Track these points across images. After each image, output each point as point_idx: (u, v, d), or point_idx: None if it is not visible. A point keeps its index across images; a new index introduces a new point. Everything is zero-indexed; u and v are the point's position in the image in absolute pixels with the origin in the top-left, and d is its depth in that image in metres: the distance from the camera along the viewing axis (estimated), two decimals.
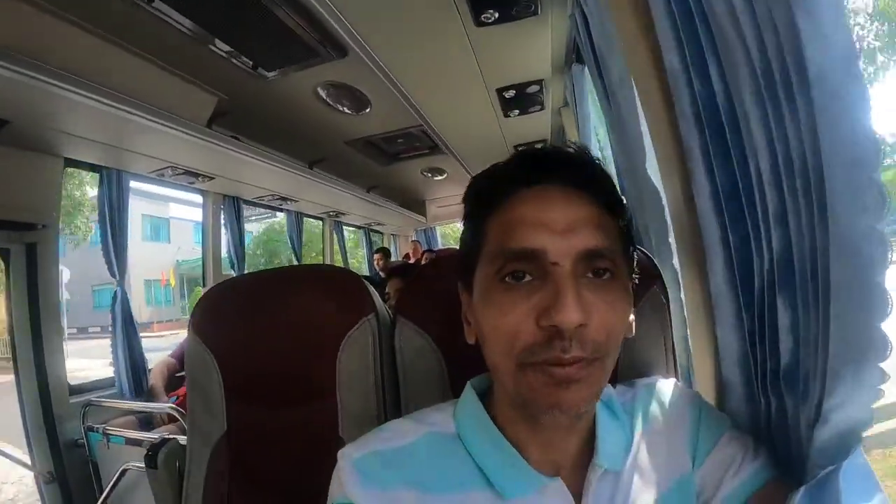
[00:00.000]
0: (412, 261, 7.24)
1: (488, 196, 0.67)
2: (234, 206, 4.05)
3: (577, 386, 0.58)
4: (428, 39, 2.39)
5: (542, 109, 3.52)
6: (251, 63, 2.49)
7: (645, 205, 1.34)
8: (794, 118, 0.58)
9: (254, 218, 18.12)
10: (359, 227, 7.15)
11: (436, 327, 1.05)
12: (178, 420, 2.25)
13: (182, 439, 2.00)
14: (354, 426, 1.14)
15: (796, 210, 0.62)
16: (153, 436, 2.17)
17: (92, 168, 2.89)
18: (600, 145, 2.57)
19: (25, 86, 1.81)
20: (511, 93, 3.16)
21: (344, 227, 6.61)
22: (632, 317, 0.66)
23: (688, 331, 1.04)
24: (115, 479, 2.09)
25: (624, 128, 1.41)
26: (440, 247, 9.35)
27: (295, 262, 5.33)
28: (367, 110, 3.29)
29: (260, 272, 1.36)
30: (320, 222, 5.92)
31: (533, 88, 3.12)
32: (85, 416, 2.41)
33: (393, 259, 6.98)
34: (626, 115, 1.37)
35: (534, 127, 3.98)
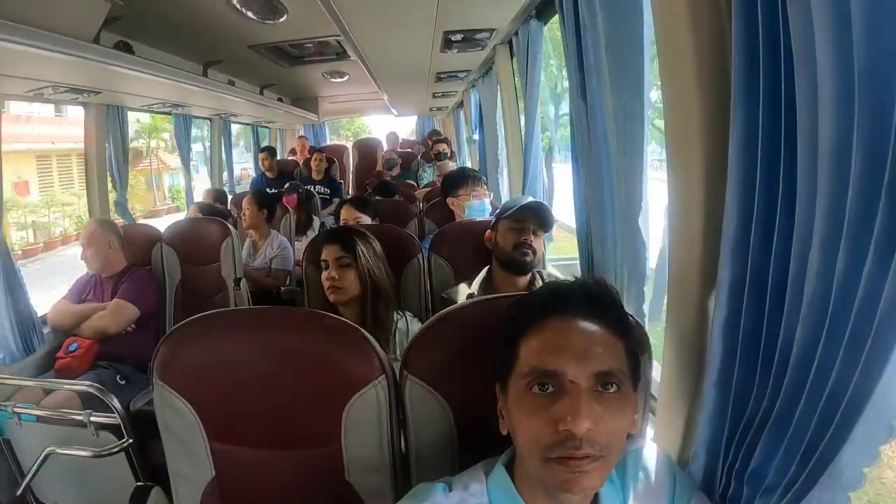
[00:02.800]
0: (299, 158, 6.96)
1: (522, 322, 0.86)
2: (118, 117, 3.54)
3: (587, 476, 0.75)
4: None
5: (480, 50, 3.39)
6: None
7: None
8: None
9: None
10: (246, 125, 6.65)
11: (444, 382, 1.10)
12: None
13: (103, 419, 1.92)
14: (364, 472, 1.18)
15: None
16: (74, 414, 1.99)
17: None
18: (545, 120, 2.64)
19: None
20: (458, 36, 3.01)
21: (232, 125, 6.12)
22: (637, 415, 0.85)
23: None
24: (37, 464, 1.92)
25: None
26: (328, 143, 9.07)
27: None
28: (283, 18, 2.97)
29: (236, 310, 1.29)
30: None
31: (482, 35, 2.98)
32: None
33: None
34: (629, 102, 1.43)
35: (464, 61, 3.88)
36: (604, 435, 0.75)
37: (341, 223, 2.80)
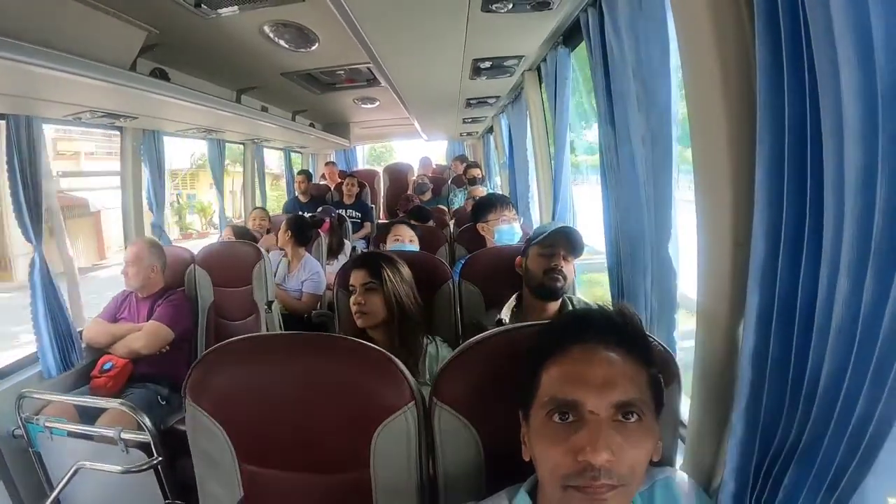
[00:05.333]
0: (329, 183, 7.09)
1: (544, 350, 0.87)
2: (153, 142, 3.66)
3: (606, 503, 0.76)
4: (417, 9, 2.20)
5: (510, 76, 3.44)
6: (193, 0, 2.25)
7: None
8: None
9: None
10: (279, 149, 6.82)
11: (473, 409, 1.11)
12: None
13: (133, 436, 1.97)
14: (391, 498, 1.19)
15: None
16: (105, 431, 2.05)
17: None
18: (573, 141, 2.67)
19: None
20: (487, 63, 3.07)
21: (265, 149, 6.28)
22: (660, 442, 0.85)
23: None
24: (66, 478, 1.99)
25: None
26: (359, 167, 9.23)
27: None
28: (314, 47, 3.09)
29: (269, 335, 1.32)
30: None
31: (511, 62, 3.04)
32: (20, 407, 2.22)
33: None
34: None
35: (493, 87, 3.95)
36: (624, 465, 0.76)
37: (393, 240, 2.89)
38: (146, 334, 2.70)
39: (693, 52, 1.07)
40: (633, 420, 0.79)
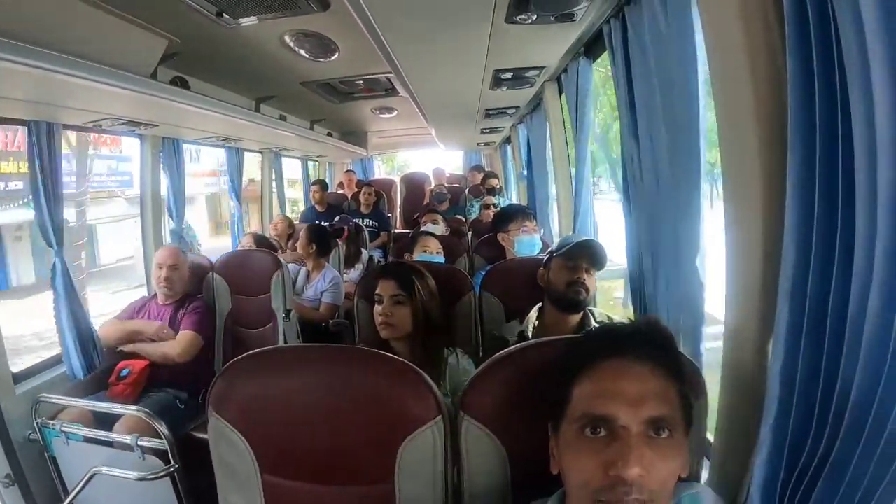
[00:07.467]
0: (346, 192, 7.13)
1: (575, 364, 0.88)
2: (173, 149, 3.73)
3: None
4: (440, 20, 2.21)
5: (530, 87, 3.45)
6: (215, 10, 2.29)
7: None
8: None
9: None
10: (297, 158, 6.89)
11: (500, 424, 1.11)
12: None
13: (150, 443, 1.98)
14: None
15: None
16: (122, 438, 2.07)
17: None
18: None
19: None
20: (508, 74, 3.08)
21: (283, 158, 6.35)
22: (687, 458, 0.85)
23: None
24: (82, 483, 2.01)
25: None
26: (376, 177, 9.29)
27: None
28: (334, 57, 3.14)
29: (294, 347, 1.32)
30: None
31: (532, 73, 3.05)
32: (36, 412, 2.26)
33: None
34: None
35: (512, 97, 3.96)
36: (654, 481, 0.77)
37: (421, 251, 2.90)
38: (182, 343, 2.74)
39: (723, 62, 1.08)
40: (664, 436, 0.80)
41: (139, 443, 2.01)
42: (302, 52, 2.98)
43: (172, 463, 1.98)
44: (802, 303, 0.84)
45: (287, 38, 2.76)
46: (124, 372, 2.66)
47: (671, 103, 1.55)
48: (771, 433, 0.90)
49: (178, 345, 2.73)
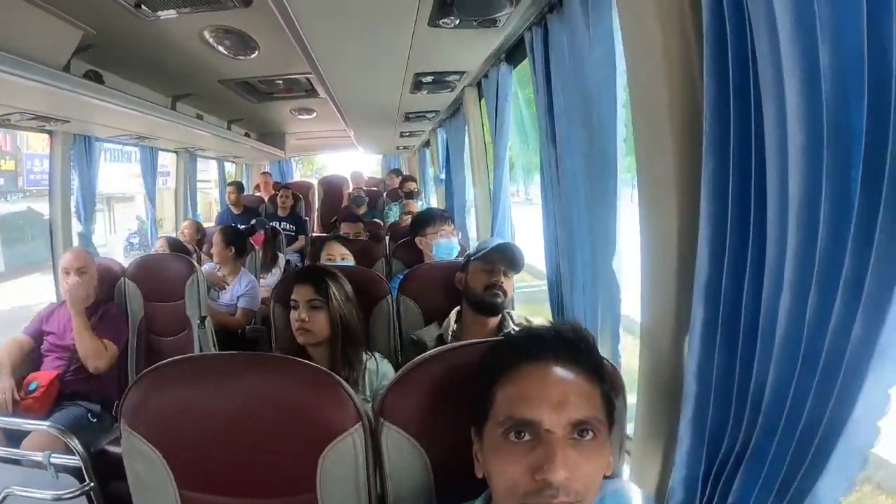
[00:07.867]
0: (263, 194, 6.96)
1: (498, 367, 0.88)
2: (85, 147, 3.47)
3: None
4: (362, 21, 2.19)
5: (450, 91, 3.47)
6: (133, 1, 2.17)
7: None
8: None
9: None
10: (213, 159, 6.65)
11: (421, 428, 1.09)
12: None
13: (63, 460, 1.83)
14: None
15: None
16: (33, 455, 1.89)
17: None
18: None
19: None
20: (429, 78, 3.09)
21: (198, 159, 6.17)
22: (610, 458, 0.86)
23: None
24: None
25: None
26: (294, 179, 9.09)
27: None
28: (254, 54, 3.04)
29: (208, 356, 1.27)
30: None
31: (453, 77, 3.07)
32: None
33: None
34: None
35: (432, 101, 3.99)
36: (580, 482, 0.77)
37: (325, 259, 2.78)
38: (99, 355, 2.52)
39: (640, 67, 1.12)
40: (588, 437, 0.80)
41: (51, 460, 1.84)
42: (221, 48, 2.87)
43: (88, 480, 1.82)
44: (717, 302, 0.88)
45: (206, 34, 2.65)
46: (32, 385, 2.42)
47: (589, 110, 1.59)
48: (690, 428, 0.94)
49: (97, 358, 2.51)
